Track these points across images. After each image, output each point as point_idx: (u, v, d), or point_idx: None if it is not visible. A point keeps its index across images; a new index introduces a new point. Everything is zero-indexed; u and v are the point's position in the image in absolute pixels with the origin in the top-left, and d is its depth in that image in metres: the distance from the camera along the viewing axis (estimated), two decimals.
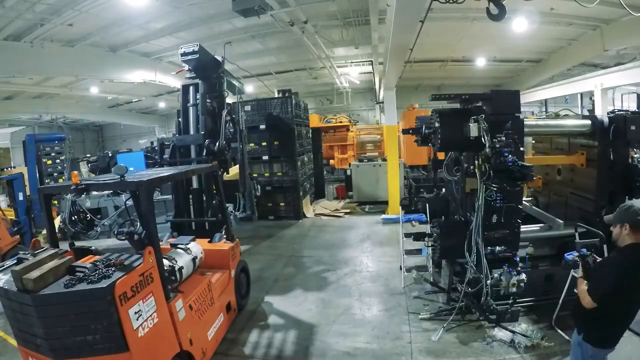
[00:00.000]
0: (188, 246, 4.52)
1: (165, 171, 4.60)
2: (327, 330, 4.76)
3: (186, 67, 6.63)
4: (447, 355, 4.10)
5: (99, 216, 4.13)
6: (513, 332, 4.28)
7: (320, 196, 13.35)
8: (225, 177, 6.62)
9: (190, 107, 6.59)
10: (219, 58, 6.86)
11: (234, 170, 8.27)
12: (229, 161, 6.84)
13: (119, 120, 24.08)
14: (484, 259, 4.22)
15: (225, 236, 5.28)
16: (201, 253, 4.64)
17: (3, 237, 7.13)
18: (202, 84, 6.51)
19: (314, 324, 4.93)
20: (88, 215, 3.81)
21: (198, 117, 6.48)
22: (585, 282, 2.77)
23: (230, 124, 6.70)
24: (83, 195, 3.51)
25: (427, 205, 5.64)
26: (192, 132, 6.48)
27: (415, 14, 5.48)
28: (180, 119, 6.65)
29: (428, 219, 5.58)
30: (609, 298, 2.58)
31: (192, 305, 3.91)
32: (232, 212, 7.01)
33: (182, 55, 6.40)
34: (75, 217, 3.85)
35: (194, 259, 4.42)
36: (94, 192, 11.99)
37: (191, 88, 6.62)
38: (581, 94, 17.18)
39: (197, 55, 6.32)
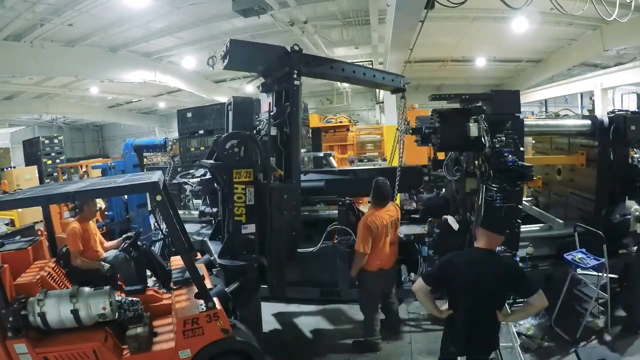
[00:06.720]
0: None
1: None
2: (327, 330, 4.75)
3: None
4: None
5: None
6: (518, 333, 4.26)
7: None
8: None
9: None
10: None
11: None
12: None
13: (119, 120, 24.04)
14: None
15: None
16: None
17: None
18: None
19: (312, 324, 4.92)
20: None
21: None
22: None
23: None
24: None
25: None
26: None
27: (415, 14, 5.49)
28: None
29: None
30: None
31: None
32: None
33: None
34: None
35: None
36: None
37: None
38: (581, 94, 17.16)
39: None
